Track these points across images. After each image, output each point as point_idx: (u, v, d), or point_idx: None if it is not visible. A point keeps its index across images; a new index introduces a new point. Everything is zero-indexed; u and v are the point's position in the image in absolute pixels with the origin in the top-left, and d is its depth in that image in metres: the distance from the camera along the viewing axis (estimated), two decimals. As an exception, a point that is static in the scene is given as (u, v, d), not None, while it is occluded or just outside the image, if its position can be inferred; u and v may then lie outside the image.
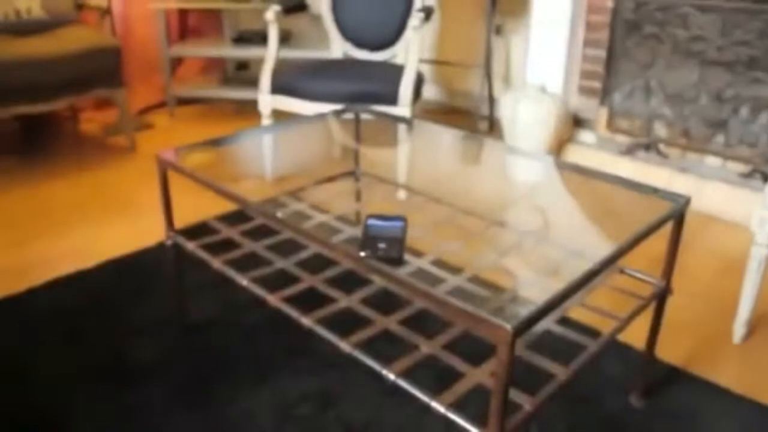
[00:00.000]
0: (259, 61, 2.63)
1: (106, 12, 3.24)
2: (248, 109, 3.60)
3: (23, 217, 2.37)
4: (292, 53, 3.34)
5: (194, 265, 1.62)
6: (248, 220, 1.67)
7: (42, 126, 3.27)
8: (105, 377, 1.54)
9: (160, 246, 2.09)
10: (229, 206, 1.54)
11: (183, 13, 4.01)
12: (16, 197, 2.54)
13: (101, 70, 2.88)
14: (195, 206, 1.84)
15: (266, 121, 2.55)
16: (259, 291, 1.35)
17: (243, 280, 1.39)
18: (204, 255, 1.50)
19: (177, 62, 4.01)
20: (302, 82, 2.49)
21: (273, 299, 1.31)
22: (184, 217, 1.63)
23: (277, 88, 2.52)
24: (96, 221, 2.35)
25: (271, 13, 2.57)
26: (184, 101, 3.69)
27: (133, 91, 3.48)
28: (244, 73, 4.00)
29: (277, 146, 2.50)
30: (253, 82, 3.09)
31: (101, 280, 1.98)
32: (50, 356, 1.62)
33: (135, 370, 1.57)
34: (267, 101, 2.53)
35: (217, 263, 1.47)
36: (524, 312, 0.90)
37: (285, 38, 3.56)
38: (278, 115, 2.53)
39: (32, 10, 2.99)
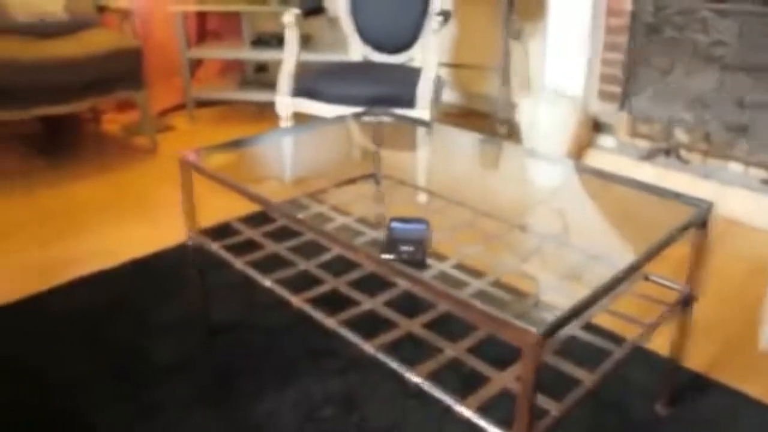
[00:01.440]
0: (278, 64, 2.64)
1: (128, 14, 3.27)
2: (267, 112, 3.61)
3: (46, 217, 2.40)
4: (311, 56, 3.36)
5: (216, 266, 1.63)
6: (270, 221, 1.68)
7: (64, 127, 3.31)
8: (126, 377, 1.55)
9: (182, 247, 2.11)
10: (249, 208, 1.55)
11: (202, 16, 4.04)
12: (39, 198, 2.57)
13: (123, 72, 2.91)
14: (216, 207, 1.85)
15: (285, 123, 2.57)
16: (282, 292, 1.35)
17: (266, 281, 1.40)
18: (227, 255, 1.51)
19: (196, 64, 4.04)
20: (321, 85, 2.50)
21: (296, 300, 1.32)
22: (205, 218, 1.65)
23: (297, 91, 2.53)
24: (118, 221, 2.37)
25: (290, 17, 2.59)
26: (203, 103, 3.71)
27: (154, 93, 3.51)
28: (263, 76, 4.02)
29: (298, 148, 2.51)
30: (272, 85, 3.10)
31: (123, 280, 2.00)
32: (71, 356, 1.64)
33: (157, 371, 1.58)
34: (286, 104, 2.54)
35: (239, 264, 1.48)
36: (550, 317, 0.90)
37: (304, 41, 3.57)
38: (297, 118, 2.54)
39: (56, 13, 3.03)
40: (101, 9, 3.21)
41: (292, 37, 2.60)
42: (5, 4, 2.92)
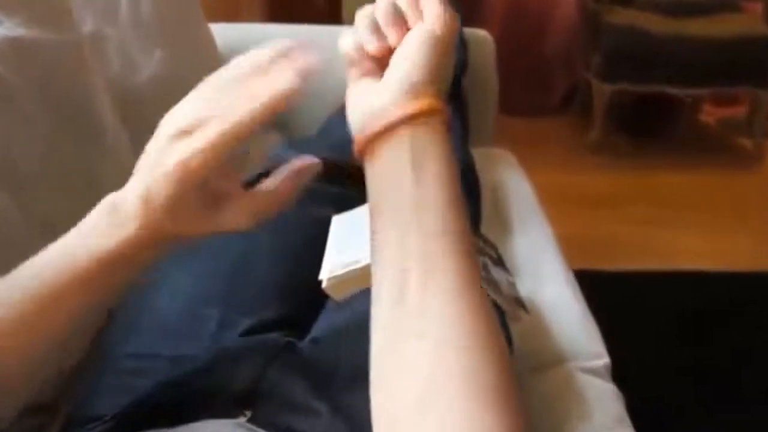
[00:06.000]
0: None
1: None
2: None
3: (626, 199, 2.32)
4: None
5: None
6: None
7: (661, 109, 3.14)
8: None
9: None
10: None
11: None
12: (620, 177, 2.49)
13: (749, 63, 2.59)
14: None
15: None
16: None
17: None
18: None
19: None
20: None
21: None
22: None
23: None
24: (701, 222, 2.16)
25: None
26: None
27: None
28: None
29: None
30: None
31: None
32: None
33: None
34: None
35: None
36: None
37: None
38: None
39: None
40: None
41: None
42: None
